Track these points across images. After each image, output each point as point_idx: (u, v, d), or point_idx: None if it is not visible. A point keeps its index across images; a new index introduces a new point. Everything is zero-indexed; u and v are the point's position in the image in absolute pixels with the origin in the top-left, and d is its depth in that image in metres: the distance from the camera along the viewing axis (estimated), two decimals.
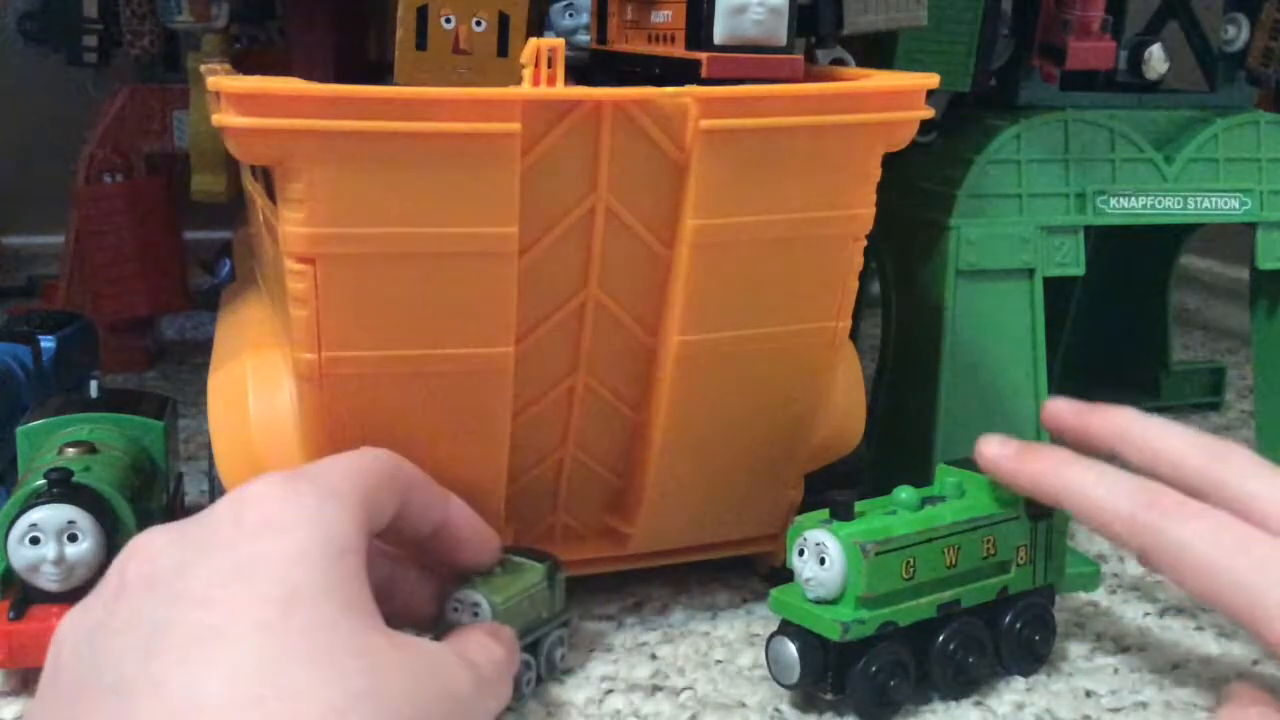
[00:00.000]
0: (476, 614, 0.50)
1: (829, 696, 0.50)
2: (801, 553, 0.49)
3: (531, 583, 0.52)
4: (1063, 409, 0.57)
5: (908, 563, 0.49)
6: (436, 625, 0.50)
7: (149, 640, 0.35)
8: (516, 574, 0.53)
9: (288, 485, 0.40)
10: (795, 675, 0.50)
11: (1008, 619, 0.55)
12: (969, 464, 0.55)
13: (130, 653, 0.35)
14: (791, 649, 0.49)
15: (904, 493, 0.52)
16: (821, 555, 0.48)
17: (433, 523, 0.48)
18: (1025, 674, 0.56)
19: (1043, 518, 0.55)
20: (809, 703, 0.54)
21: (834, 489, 0.51)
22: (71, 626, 0.38)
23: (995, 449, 0.55)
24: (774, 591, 0.50)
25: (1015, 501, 0.54)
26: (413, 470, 0.47)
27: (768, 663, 0.51)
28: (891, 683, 0.51)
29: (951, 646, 0.52)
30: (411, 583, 0.50)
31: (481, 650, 0.44)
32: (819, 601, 0.49)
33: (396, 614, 0.45)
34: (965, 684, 0.54)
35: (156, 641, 0.35)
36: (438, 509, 0.48)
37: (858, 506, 0.51)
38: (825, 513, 0.50)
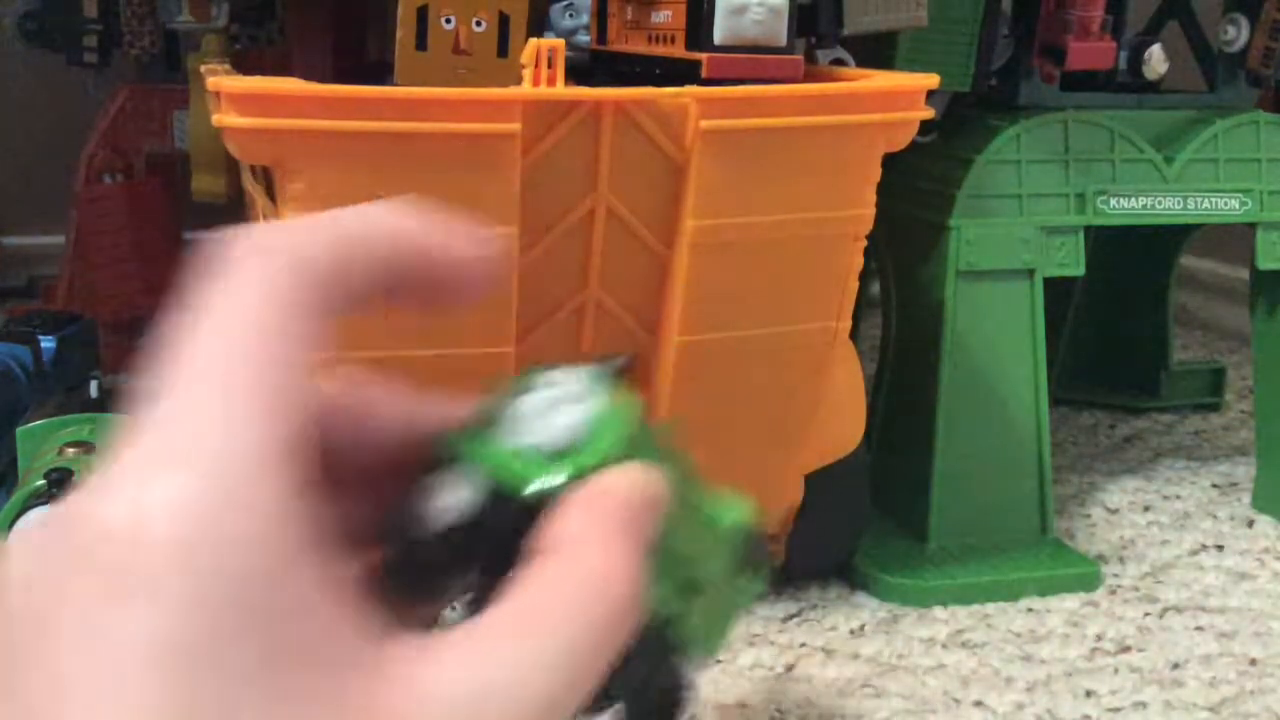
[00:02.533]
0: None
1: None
2: (533, 390, 0.27)
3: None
4: None
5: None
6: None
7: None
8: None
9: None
10: (448, 520, 0.25)
11: None
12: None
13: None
14: (465, 492, 0.25)
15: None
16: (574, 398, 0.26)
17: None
18: None
19: None
20: (810, 704, 0.54)
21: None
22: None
23: None
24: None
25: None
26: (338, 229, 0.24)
27: (412, 505, 0.25)
28: None
29: None
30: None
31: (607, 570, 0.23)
32: (517, 450, 0.26)
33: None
34: None
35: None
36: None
37: None
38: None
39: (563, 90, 0.48)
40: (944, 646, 0.60)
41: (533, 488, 0.24)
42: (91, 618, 0.19)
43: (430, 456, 0.26)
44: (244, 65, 0.59)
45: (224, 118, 0.45)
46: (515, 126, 0.47)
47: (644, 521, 0.24)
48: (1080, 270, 0.70)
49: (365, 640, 0.21)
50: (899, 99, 0.53)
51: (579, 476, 0.24)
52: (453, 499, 0.25)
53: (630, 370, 0.28)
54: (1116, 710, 0.55)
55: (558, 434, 0.25)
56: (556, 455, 0.25)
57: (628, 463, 0.25)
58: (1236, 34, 0.74)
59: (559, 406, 0.26)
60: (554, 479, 0.25)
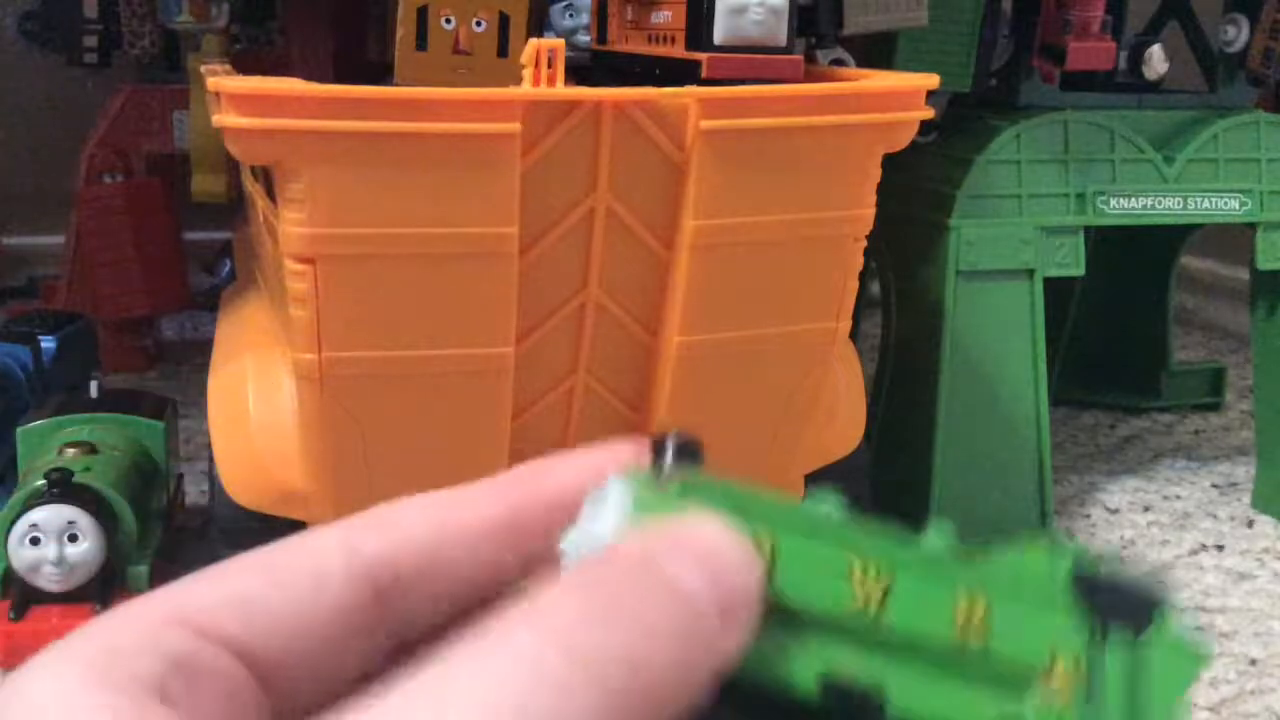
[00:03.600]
0: None
1: None
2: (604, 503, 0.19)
3: None
4: None
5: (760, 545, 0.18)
6: None
7: None
8: None
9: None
10: None
11: None
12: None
13: None
14: None
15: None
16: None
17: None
18: None
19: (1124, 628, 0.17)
20: None
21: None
22: None
23: None
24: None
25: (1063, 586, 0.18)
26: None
27: None
28: None
29: None
30: None
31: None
32: None
33: None
34: None
35: None
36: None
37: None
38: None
39: (563, 90, 0.48)
40: None
41: None
42: None
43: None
44: (244, 65, 0.59)
45: (224, 118, 0.45)
46: (515, 126, 0.47)
47: (739, 575, 0.17)
48: (1080, 270, 0.70)
49: None
50: (899, 99, 0.53)
51: None
52: None
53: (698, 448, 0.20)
54: None
55: None
56: None
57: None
58: (1236, 34, 0.74)
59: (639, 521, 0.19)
60: None
